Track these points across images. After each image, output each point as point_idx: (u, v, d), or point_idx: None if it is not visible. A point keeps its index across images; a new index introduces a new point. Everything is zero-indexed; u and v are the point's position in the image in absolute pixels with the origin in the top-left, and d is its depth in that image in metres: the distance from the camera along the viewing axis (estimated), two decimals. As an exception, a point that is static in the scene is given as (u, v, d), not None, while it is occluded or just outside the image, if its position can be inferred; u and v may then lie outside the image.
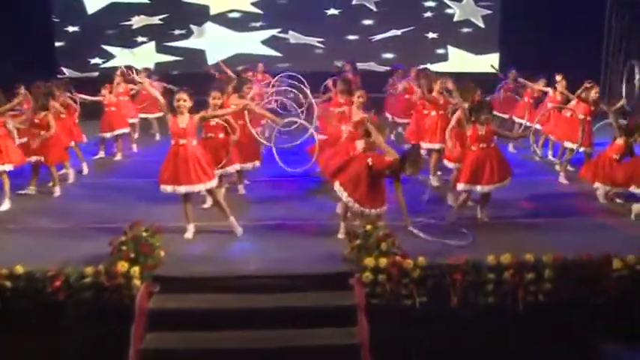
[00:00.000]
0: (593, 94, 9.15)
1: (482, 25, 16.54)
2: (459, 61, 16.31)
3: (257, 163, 8.75)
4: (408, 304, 5.82)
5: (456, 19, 16.57)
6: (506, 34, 16.14)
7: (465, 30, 16.61)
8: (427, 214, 7.69)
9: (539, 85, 11.19)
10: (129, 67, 10.41)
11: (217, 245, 6.90)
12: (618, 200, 8.31)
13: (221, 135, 7.89)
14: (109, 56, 16.68)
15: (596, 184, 8.22)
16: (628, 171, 7.98)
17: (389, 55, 16.66)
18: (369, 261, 5.81)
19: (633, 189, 7.83)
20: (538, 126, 10.16)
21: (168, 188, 6.94)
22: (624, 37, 14.37)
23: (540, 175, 9.87)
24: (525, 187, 8.78)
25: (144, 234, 6.15)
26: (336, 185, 6.96)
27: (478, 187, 7.40)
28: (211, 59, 16.50)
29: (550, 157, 10.44)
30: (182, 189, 6.89)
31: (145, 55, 16.61)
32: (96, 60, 16.67)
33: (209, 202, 7.80)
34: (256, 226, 7.42)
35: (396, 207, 7.05)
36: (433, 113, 9.17)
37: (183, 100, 6.84)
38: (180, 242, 6.89)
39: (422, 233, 6.95)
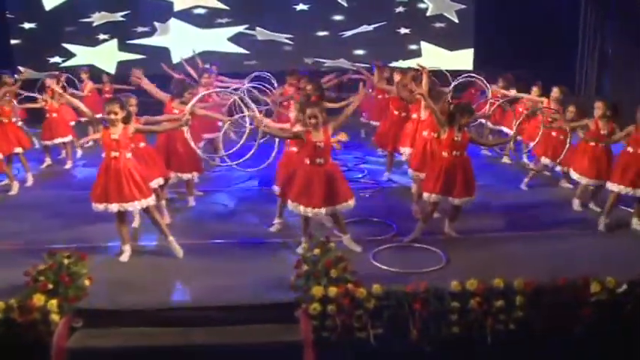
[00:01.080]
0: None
1: (456, 20, 15.81)
2: (433, 57, 15.57)
3: (195, 174, 7.84)
4: (362, 338, 5.10)
5: (429, 13, 15.82)
6: (480, 30, 15.46)
7: (439, 25, 15.87)
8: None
9: (534, 95, 9.73)
10: (58, 74, 9.58)
11: (154, 270, 6.13)
12: (594, 207, 7.67)
13: (142, 144, 7.07)
14: (70, 55, 15.74)
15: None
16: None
17: (360, 52, 15.90)
18: (317, 290, 5.08)
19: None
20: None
21: (99, 206, 6.17)
22: (599, 33, 13.74)
23: (514, 183, 9.07)
24: (496, 197, 8.11)
25: (66, 261, 5.38)
26: (289, 204, 6.30)
27: (450, 199, 6.70)
28: (176, 57, 15.76)
29: (525, 159, 9.77)
30: (114, 207, 6.11)
31: (107, 54, 15.74)
32: (55, 59, 15.70)
33: (137, 221, 7.02)
34: (202, 246, 6.66)
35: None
36: (414, 116, 8.21)
37: (114, 112, 6.07)
38: (112, 267, 6.13)
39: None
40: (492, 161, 10.28)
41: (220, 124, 9.05)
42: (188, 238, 6.72)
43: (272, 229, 7.09)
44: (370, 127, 11.67)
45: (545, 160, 8.59)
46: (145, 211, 6.36)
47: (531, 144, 8.81)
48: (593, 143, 7.51)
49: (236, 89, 8.90)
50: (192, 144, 7.09)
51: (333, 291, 5.07)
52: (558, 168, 8.49)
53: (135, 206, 6.18)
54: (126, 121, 6.19)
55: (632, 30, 12.42)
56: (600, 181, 7.49)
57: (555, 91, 8.92)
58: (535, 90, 9.77)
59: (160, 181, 7.16)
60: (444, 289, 5.18)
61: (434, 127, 7.23)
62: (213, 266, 6.15)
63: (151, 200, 6.26)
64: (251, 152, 6.91)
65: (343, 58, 15.83)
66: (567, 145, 7.93)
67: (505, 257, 6.23)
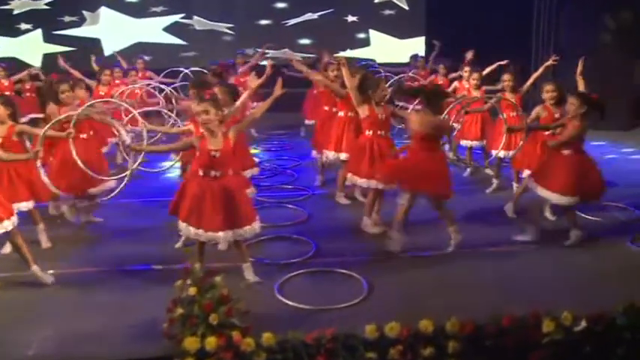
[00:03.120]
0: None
1: (406, 7, 14.59)
2: (382, 45, 14.38)
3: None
4: (251, 401, 3.86)
5: (377, 0, 14.62)
6: (432, 17, 14.29)
7: (388, 12, 14.64)
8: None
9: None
10: None
11: (7, 308, 4.78)
12: (549, 216, 6.54)
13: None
14: (-12, 45, 14.21)
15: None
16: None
17: (305, 41, 14.62)
18: (191, 342, 3.81)
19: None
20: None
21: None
22: (554, 21, 12.66)
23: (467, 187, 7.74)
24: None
25: None
26: (179, 224, 5.03)
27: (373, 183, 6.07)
28: (108, 49, 14.33)
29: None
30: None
31: (31, 46, 14.18)
32: (-28, 50, 14.17)
33: (8, 248, 5.66)
34: (76, 275, 5.32)
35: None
36: (342, 114, 7.06)
37: None
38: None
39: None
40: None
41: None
42: (65, 263, 5.40)
43: (177, 245, 5.79)
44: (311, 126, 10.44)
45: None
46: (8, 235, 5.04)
47: (494, 152, 7.42)
48: (567, 151, 5.85)
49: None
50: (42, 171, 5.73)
51: (211, 342, 3.81)
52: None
53: None
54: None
55: (587, 18, 11.37)
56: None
57: (507, 79, 7.59)
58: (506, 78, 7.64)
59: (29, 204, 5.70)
60: (356, 336, 3.95)
61: (378, 124, 6.18)
62: (82, 304, 4.82)
63: (10, 224, 4.93)
64: (122, 185, 5.73)
65: (287, 49, 14.66)
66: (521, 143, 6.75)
67: (441, 284, 5.03)
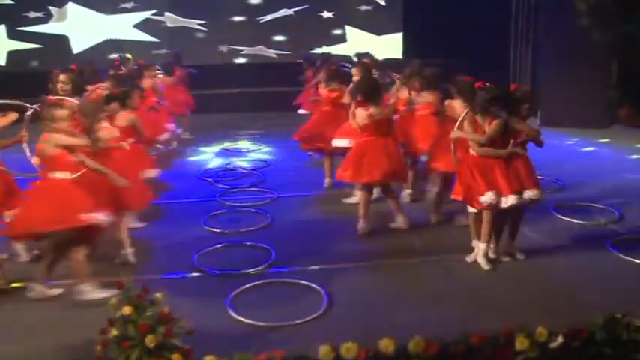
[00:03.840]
0: None
1: (383, 3, 14.19)
2: (359, 42, 13.95)
3: None
4: None
5: (354, -4, 14.24)
6: (409, 13, 13.92)
7: (364, 8, 14.23)
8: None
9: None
10: None
11: None
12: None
13: None
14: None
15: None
16: None
17: (280, 38, 14.18)
18: (123, 370, 3.40)
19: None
20: None
21: None
22: (532, 17, 12.29)
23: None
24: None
25: None
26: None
27: None
28: (77, 47, 13.83)
29: None
30: None
31: (-5, 43, 13.65)
32: None
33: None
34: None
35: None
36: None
37: None
38: None
39: None
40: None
41: None
42: None
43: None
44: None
45: None
46: None
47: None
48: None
49: None
50: None
51: (147, 369, 3.39)
52: None
53: None
54: None
55: (564, 18, 11.01)
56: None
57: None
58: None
59: None
60: (308, 359, 3.55)
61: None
62: (14, 322, 4.37)
63: None
64: None
65: (262, 45, 14.25)
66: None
67: (407, 295, 4.61)
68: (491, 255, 5.15)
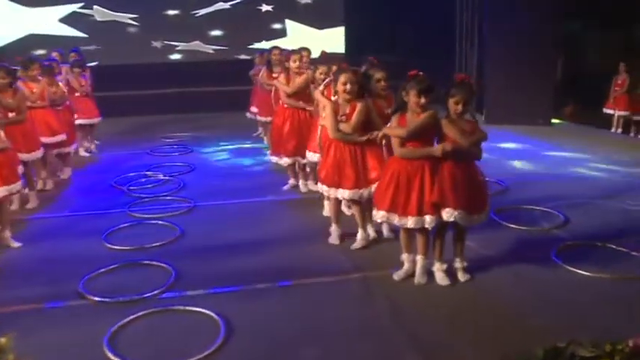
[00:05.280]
0: None
1: (324, -5, 13.64)
2: (300, 36, 13.28)
3: None
4: None
5: (293, -12, 13.58)
6: (350, 6, 13.34)
7: (305, 1, 13.64)
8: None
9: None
10: None
11: None
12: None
13: None
14: None
15: None
16: None
17: (217, 33, 13.48)
18: None
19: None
20: None
21: None
22: (477, 12, 11.82)
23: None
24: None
25: None
26: None
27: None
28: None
29: None
30: None
31: None
32: None
33: None
34: None
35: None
36: None
37: None
38: None
39: None
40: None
41: None
42: None
43: None
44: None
45: None
46: None
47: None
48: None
49: None
50: None
51: None
52: None
53: None
54: None
55: (510, 16, 10.55)
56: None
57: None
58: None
59: None
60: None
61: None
62: None
63: None
64: None
65: (198, 41, 13.48)
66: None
67: (318, 324, 3.86)
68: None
